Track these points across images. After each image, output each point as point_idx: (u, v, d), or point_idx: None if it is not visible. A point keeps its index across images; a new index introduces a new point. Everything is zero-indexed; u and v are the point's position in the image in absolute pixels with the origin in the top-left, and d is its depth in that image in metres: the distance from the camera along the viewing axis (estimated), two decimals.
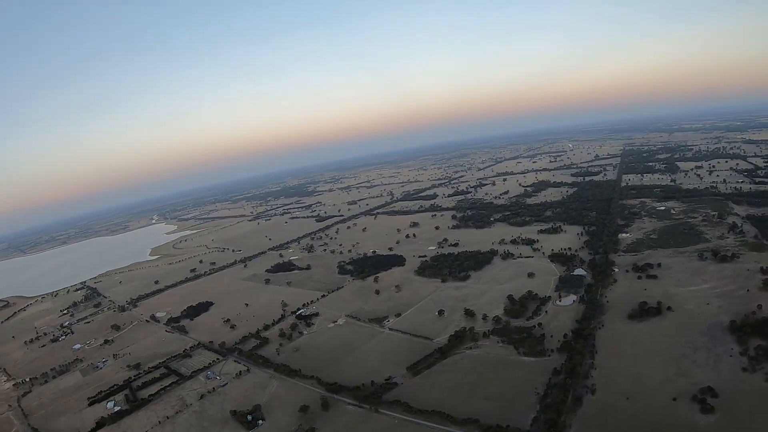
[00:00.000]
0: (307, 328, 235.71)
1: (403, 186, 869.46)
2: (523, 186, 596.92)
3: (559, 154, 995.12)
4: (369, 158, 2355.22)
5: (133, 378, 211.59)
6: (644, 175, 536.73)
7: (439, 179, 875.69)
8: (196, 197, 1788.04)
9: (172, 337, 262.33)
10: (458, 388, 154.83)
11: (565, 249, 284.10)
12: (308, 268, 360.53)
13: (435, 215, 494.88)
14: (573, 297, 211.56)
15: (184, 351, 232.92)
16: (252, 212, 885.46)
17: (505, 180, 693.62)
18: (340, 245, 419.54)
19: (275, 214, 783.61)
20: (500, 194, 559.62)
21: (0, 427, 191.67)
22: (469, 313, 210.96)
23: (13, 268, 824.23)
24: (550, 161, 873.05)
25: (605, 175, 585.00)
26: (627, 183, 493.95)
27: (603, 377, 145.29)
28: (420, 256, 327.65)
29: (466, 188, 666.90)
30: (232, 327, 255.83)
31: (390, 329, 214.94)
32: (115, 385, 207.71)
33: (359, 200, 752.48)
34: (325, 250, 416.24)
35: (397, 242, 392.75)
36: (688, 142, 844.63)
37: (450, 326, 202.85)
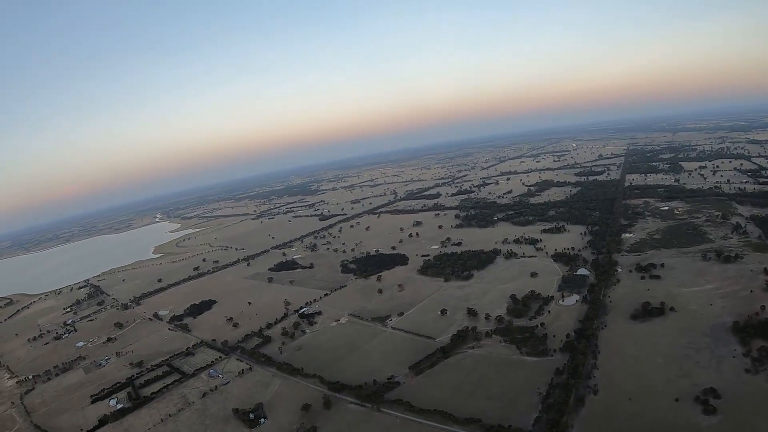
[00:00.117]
0: (309, 327, 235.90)
1: (406, 185, 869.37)
2: (527, 185, 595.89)
3: (563, 153, 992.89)
4: (372, 157, 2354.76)
5: (135, 376, 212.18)
6: (648, 174, 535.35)
7: (443, 178, 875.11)
8: (200, 195, 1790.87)
9: (175, 335, 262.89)
10: (460, 388, 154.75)
11: (568, 249, 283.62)
12: (311, 266, 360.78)
13: (438, 214, 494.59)
14: (576, 297, 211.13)
15: (186, 349, 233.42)
16: (255, 211, 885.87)
17: (508, 179, 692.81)
18: (343, 244, 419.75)
19: (278, 213, 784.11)
20: (503, 193, 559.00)
21: (3, 424, 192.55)
22: (471, 313, 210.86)
23: (17, 265, 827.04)
24: (554, 161, 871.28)
25: (609, 174, 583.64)
26: (630, 183, 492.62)
27: (605, 377, 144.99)
28: (423, 255, 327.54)
29: (470, 187, 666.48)
30: (235, 325, 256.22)
31: (392, 328, 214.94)
32: (117, 382, 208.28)
33: (362, 199, 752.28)
34: (328, 248, 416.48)
35: (400, 241, 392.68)
36: (692, 142, 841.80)
37: (452, 326, 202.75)
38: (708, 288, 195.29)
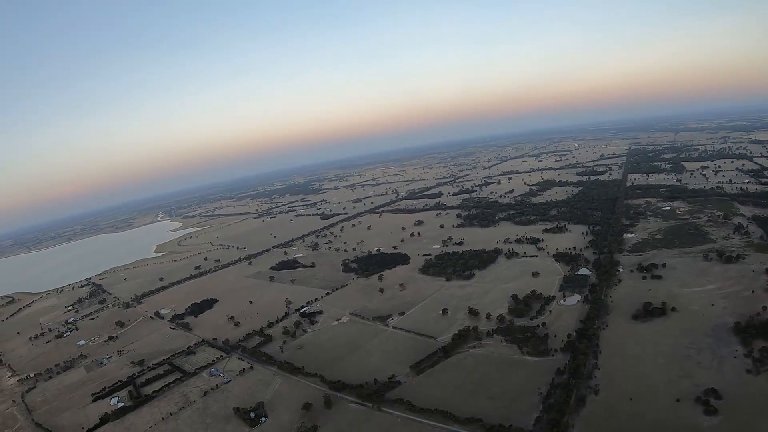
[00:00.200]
0: (310, 326, 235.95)
1: (408, 184, 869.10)
2: (529, 185, 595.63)
3: (565, 153, 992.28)
4: (374, 156, 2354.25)
5: (136, 374, 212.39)
6: (650, 174, 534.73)
7: (445, 178, 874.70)
8: (201, 194, 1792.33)
9: (176, 334, 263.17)
10: (461, 387, 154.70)
11: (569, 248, 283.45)
12: (312, 265, 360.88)
13: (440, 214, 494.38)
14: (577, 297, 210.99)
15: (187, 348, 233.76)
16: (257, 210, 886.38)
17: (510, 179, 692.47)
18: (345, 243, 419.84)
19: (280, 212, 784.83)
20: (505, 193, 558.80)
21: (4, 422, 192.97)
22: (473, 312, 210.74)
23: (19, 264, 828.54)
24: (556, 160, 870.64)
25: (610, 174, 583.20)
26: (632, 182, 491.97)
27: (606, 378, 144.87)
28: (424, 255, 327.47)
29: (471, 187, 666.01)
30: (236, 324, 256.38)
31: (394, 328, 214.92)
32: (118, 381, 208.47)
33: (364, 198, 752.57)
34: (329, 248, 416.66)
35: (402, 240, 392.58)
36: (694, 141, 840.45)
37: (454, 325, 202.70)
38: (709, 288, 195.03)
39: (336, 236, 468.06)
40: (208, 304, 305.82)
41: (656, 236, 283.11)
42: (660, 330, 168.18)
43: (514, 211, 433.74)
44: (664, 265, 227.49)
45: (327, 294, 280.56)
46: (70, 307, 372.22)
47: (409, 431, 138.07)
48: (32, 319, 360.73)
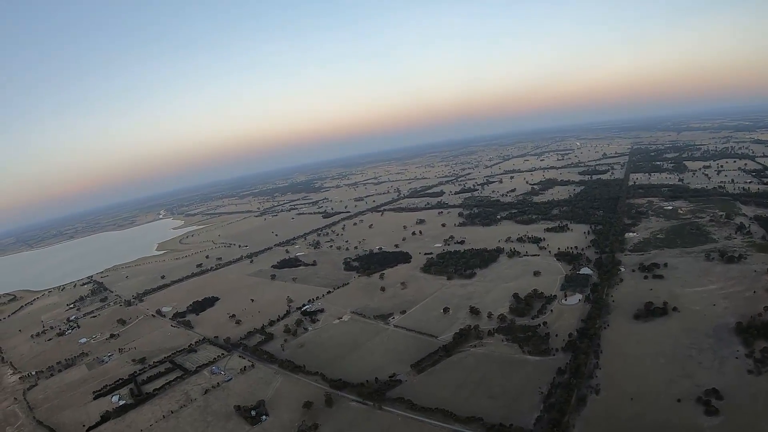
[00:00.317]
0: (312, 324, 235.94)
1: (410, 183, 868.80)
2: (531, 184, 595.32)
3: (567, 152, 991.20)
4: (376, 155, 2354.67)
5: (138, 372, 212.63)
6: (652, 174, 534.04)
7: (446, 176, 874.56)
8: (203, 193, 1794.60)
9: (178, 332, 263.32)
10: (462, 386, 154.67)
11: (571, 248, 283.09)
12: (314, 264, 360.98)
13: (441, 212, 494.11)
14: (579, 296, 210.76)
15: (189, 346, 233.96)
16: (259, 208, 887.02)
17: (512, 178, 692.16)
18: (347, 241, 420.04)
19: (282, 210, 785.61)
20: (507, 192, 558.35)
21: (6, 420, 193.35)
22: (474, 311, 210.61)
23: (21, 262, 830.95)
24: (558, 159, 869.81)
25: (612, 173, 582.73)
26: (634, 182, 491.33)
27: (607, 377, 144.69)
28: (426, 254, 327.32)
29: (473, 186, 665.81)
30: (238, 322, 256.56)
31: (395, 326, 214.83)
32: (120, 379, 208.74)
33: (366, 197, 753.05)
34: (331, 246, 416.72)
35: (404, 239, 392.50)
36: (697, 141, 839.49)
37: (455, 324, 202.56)
38: (711, 288, 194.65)
39: (337, 234, 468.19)
40: (209, 302, 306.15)
41: (658, 236, 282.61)
42: (661, 330, 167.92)
43: (515, 210, 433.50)
44: (665, 265, 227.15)
45: (328, 292, 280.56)
46: (71, 305, 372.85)
47: (410, 430, 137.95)
48: (34, 317, 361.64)
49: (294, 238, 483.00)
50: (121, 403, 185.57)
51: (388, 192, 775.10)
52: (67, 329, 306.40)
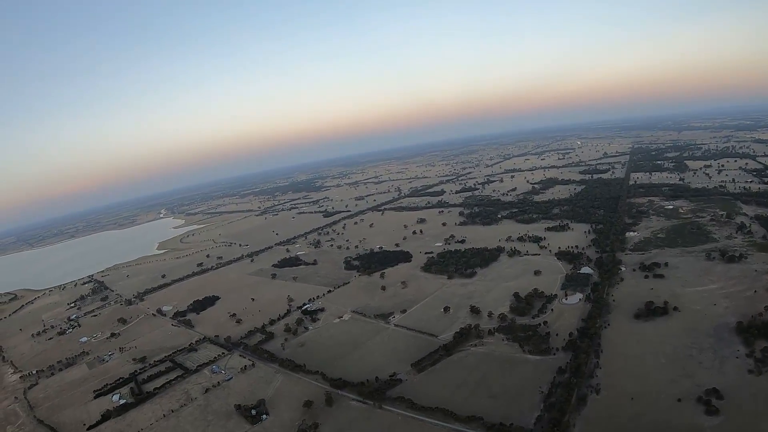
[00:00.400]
0: (312, 324, 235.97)
1: (410, 182, 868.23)
2: (531, 183, 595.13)
3: (568, 151, 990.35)
4: (377, 154, 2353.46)
5: (138, 371, 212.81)
6: (653, 173, 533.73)
7: (447, 175, 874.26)
8: (204, 192, 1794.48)
9: (178, 331, 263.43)
10: (462, 386, 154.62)
11: (572, 247, 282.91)
12: (315, 263, 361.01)
13: (442, 211, 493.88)
14: (579, 295, 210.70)
15: (189, 345, 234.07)
16: (259, 207, 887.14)
17: (513, 177, 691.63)
18: (347, 241, 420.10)
19: (283, 209, 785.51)
20: (508, 191, 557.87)
21: (6, 419, 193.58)
22: (474, 311, 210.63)
23: (22, 261, 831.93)
24: (559, 158, 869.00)
25: (613, 173, 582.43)
26: (635, 181, 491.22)
27: (608, 377, 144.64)
28: (426, 253, 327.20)
29: (474, 185, 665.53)
30: (238, 321, 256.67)
31: (395, 325, 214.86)
32: (120, 378, 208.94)
33: (366, 196, 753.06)
34: (331, 245, 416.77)
35: (404, 238, 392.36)
36: (697, 140, 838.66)
37: (455, 323, 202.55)
38: (712, 288, 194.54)
39: (338, 234, 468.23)
40: (210, 301, 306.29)
41: (659, 235, 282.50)
42: (662, 329, 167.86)
43: (516, 210, 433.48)
44: (666, 265, 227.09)
45: (329, 291, 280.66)
46: (72, 304, 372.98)
47: (410, 429, 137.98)
48: (35, 316, 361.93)
49: (294, 237, 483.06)
50: (122, 402, 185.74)
51: (389, 191, 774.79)
52: (68, 328, 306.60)
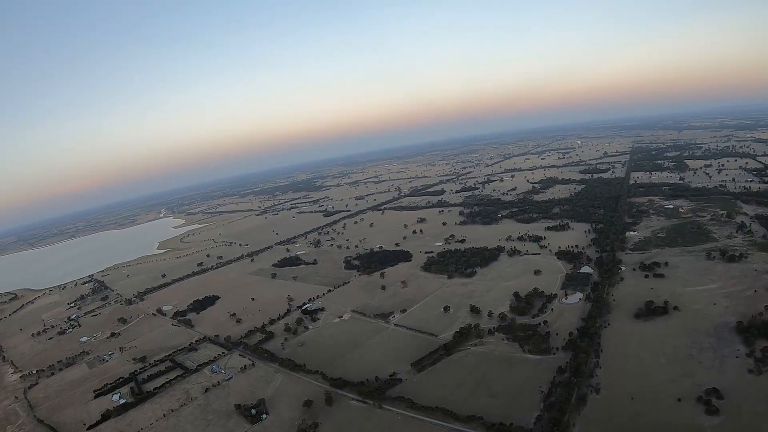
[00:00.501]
0: (312, 323, 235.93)
1: (410, 181, 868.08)
2: (531, 182, 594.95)
3: (568, 150, 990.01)
4: (377, 153, 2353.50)
5: (138, 371, 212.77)
6: (653, 172, 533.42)
7: (447, 175, 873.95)
8: (204, 191, 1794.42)
9: (178, 331, 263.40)
10: (462, 385, 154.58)
11: (572, 246, 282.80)
12: (315, 262, 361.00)
13: (442, 211, 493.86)
14: (579, 295, 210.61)
15: (189, 344, 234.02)
16: (260, 207, 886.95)
17: (513, 176, 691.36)
18: (347, 240, 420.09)
19: (283, 209, 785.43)
20: (508, 191, 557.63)
21: (7, 418, 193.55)
22: (474, 310, 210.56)
23: (22, 261, 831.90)
24: (559, 158, 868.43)
25: (613, 172, 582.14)
26: (635, 181, 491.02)
27: (608, 377, 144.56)
28: (426, 252, 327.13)
29: (474, 184, 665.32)
30: (238, 321, 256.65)
31: (395, 325, 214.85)
32: (120, 377, 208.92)
33: (367, 195, 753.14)
34: (331, 244, 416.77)
35: (404, 238, 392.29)
36: (698, 140, 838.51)
37: (455, 323, 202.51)
38: (712, 287, 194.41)
39: (338, 233, 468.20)
40: (210, 300, 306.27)
41: (659, 235, 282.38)
42: (662, 329, 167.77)
43: (516, 209, 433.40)
44: (666, 264, 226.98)
45: (329, 291, 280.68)
46: (72, 304, 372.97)
47: (410, 429, 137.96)
48: (35, 316, 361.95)
49: (295, 237, 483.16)
50: (122, 401, 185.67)
51: (389, 191, 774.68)
52: (68, 328, 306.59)
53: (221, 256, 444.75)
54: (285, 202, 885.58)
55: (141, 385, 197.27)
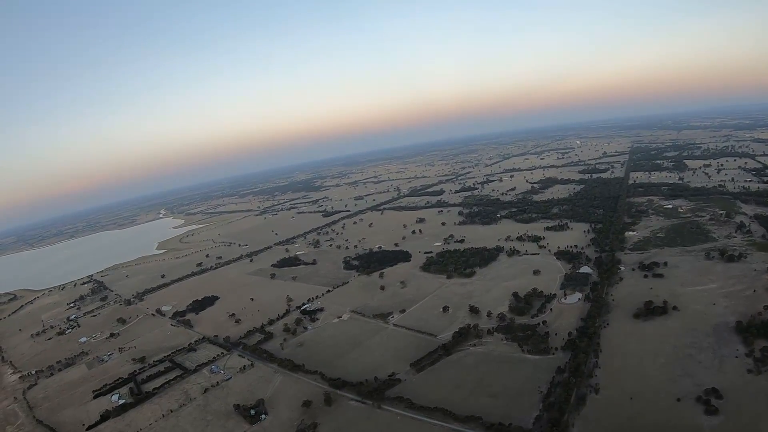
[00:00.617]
0: (311, 323, 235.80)
1: (410, 182, 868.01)
2: (531, 183, 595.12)
3: (567, 150, 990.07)
4: (376, 153, 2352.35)
5: (138, 371, 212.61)
6: (652, 172, 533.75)
7: (446, 175, 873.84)
8: (204, 192, 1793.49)
9: (177, 331, 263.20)
10: (461, 385, 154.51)
11: (571, 246, 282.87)
12: (314, 263, 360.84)
13: (441, 211, 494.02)
14: (578, 295, 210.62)
15: (189, 345, 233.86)
16: (259, 207, 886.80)
17: (512, 176, 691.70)
18: (346, 240, 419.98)
19: (282, 209, 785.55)
20: (507, 191, 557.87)
21: (6, 419, 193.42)
22: (473, 310, 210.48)
23: (21, 261, 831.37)
24: (558, 158, 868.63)
25: (613, 172, 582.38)
26: (634, 181, 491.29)
27: (607, 376, 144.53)
28: (426, 252, 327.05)
29: (473, 184, 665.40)
30: (237, 321, 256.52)
31: (394, 325, 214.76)
32: (120, 378, 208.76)
33: (366, 195, 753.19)
34: (331, 245, 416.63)
35: (403, 238, 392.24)
36: (697, 140, 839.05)
37: (454, 323, 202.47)
38: (711, 287, 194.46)
39: (337, 233, 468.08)
40: (209, 301, 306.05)
41: (658, 234, 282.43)
42: (661, 329, 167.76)
43: (515, 209, 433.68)
44: (665, 264, 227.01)
45: (328, 291, 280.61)
46: (71, 304, 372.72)
47: (409, 429, 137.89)
48: (34, 316, 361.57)
49: (294, 237, 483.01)
50: (121, 402, 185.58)
51: (388, 191, 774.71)
52: (67, 328, 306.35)
53: (220, 257, 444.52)
54: (284, 203, 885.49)
55: (140, 385, 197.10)
